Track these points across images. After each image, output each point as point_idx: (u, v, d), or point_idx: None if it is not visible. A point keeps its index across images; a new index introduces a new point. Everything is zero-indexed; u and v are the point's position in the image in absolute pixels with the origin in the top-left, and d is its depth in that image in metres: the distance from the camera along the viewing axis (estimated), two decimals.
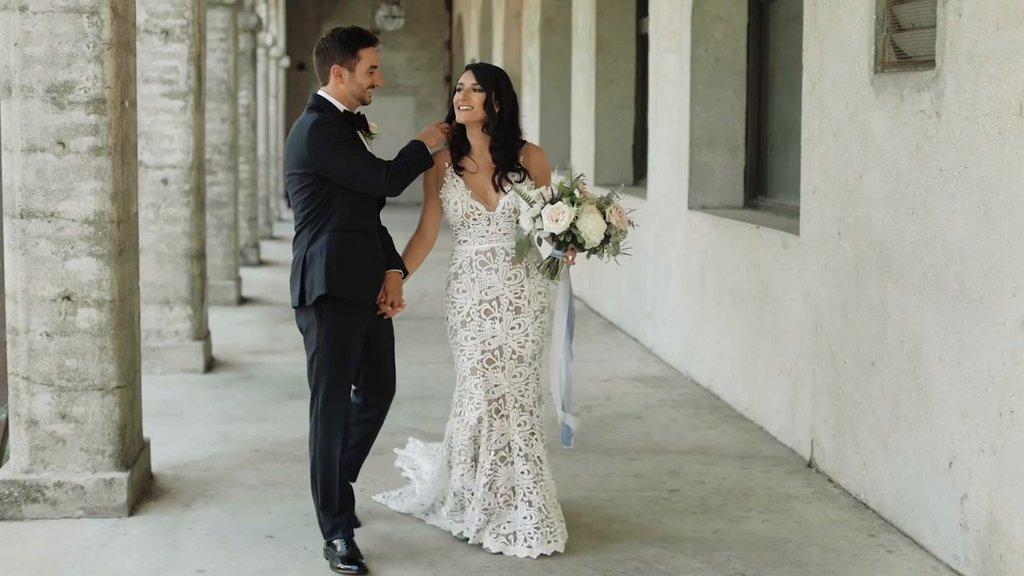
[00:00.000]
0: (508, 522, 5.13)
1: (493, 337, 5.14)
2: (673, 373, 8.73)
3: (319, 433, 5.01)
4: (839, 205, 5.98)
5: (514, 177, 5.16)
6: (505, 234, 5.16)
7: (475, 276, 5.14)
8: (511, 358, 5.15)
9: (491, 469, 5.11)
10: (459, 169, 5.19)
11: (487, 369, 5.13)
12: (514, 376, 5.15)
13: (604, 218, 4.97)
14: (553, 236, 4.96)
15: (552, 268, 5.06)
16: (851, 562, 5.06)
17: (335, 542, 4.98)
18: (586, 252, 5.03)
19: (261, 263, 15.42)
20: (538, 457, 5.16)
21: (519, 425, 5.14)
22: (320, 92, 5.06)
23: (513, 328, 5.15)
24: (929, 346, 5.11)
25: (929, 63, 5.18)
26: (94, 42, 5.36)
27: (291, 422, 7.21)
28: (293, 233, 5.11)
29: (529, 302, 5.17)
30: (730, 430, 7.11)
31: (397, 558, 5.06)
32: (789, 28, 7.74)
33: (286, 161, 5.08)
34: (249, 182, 15.42)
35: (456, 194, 5.15)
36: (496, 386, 5.14)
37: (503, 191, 5.14)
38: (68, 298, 5.43)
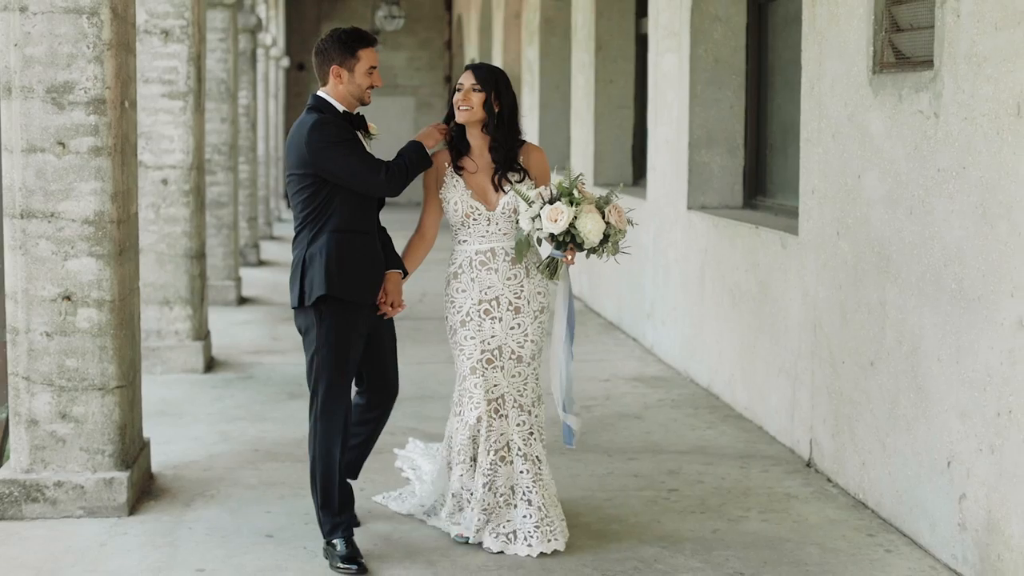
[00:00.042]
0: (508, 521, 5.14)
1: (492, 337, 5.14)
2: (672, 373, 8.73)
3: (319, 433, 5.01)
4: (838, 205, 5.99)
5: (514, 177, 5.16)
6: (505, 234, 5.16)
7: (475, 276, 5.15)
8: (510, 358, 5.15)
9: (490, 469, 5.12)
10: (459, 169, 5.20)
11: (486, 369, 5.13)
12: (513, 376, 5.15)
13: (603, 218, 4.97)
14: (552, 236, 4.97)
15: (551, 268, 5.07)
16: (850, 561, 5.07)
17: (335, 542, 4.98)
18: (585, 252, 5.04)
19: (261, 263, 15.42)
20: (537, 457, 5.17)
21: (518, 425, 5.15)
22: (319, 92, 5.07)
23: (512, 328, 5.15)
24: (927, 346, 5.12)
25: (927, 63, 5.18)
26: (94, 43, 5.37)
27: (291, 422, 7.21)
28: (293, 233, 5.12)
29: (528, 302, 5.17)
30: (729, 430, 7.12)
31: (397, 558, 5.06)
32: (788, 28, 7.74)
33: (286, 162, 5.08)
34: (249, 182, 15.42)
35: (456, 194, 5.15)
36: (495, 386, 5.14)
37: (503, 191, 5.15)
38: (68, 298, 5.43)
